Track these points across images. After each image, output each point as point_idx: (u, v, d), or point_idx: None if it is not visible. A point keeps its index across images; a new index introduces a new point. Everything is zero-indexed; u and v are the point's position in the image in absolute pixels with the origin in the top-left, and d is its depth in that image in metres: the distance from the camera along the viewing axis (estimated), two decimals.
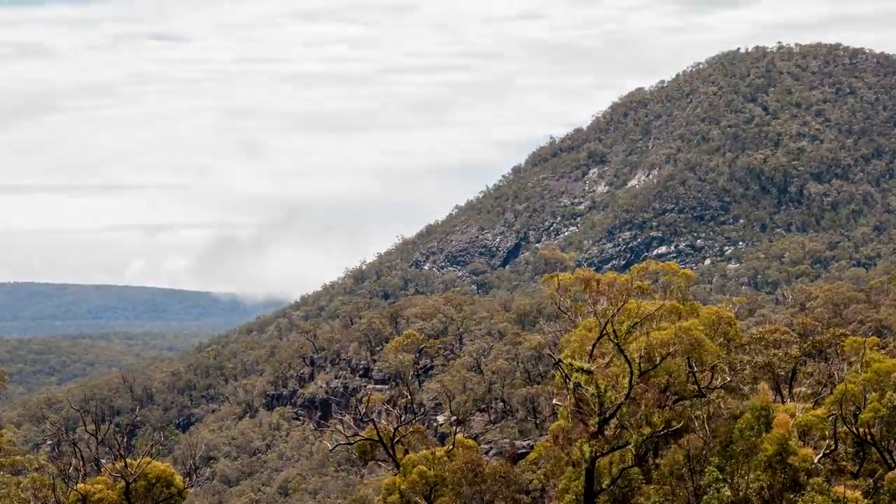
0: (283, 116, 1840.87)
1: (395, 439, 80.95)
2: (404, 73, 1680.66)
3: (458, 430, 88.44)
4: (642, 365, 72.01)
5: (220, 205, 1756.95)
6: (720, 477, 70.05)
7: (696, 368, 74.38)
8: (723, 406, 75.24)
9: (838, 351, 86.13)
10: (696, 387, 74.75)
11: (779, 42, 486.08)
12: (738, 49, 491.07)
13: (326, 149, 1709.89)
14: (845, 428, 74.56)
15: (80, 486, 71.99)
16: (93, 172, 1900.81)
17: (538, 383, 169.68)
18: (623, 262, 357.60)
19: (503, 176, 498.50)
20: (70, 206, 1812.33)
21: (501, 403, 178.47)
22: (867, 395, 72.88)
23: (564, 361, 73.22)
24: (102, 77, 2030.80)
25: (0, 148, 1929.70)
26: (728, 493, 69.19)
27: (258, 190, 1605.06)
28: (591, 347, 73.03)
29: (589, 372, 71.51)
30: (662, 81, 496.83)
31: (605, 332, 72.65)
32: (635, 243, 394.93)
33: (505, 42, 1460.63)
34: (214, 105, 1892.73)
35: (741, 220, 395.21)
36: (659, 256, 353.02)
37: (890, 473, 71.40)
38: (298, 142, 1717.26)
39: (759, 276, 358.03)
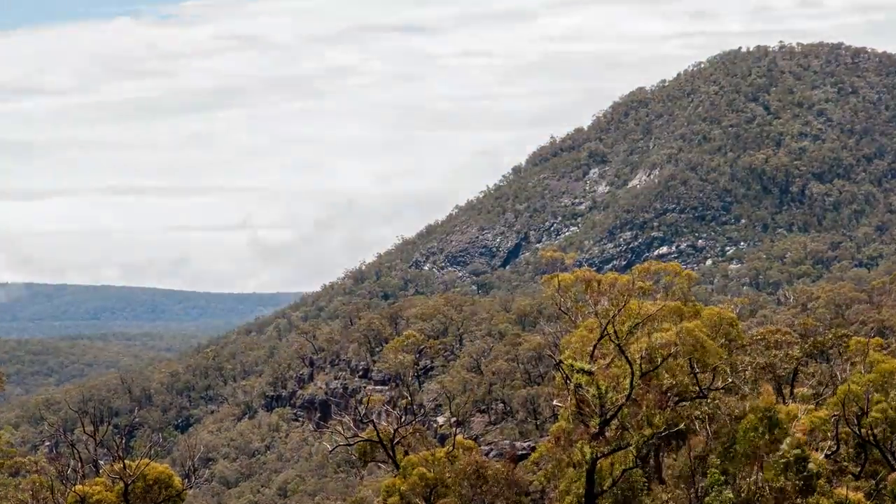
0: (459, 113, 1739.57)
1: (395, 440, 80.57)
2: (619, 68, 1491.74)
3: (458, 432, 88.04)
4: (643, 366, 71.57)
5: (310, 206, 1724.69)
6: (722, 479, 69.64)
7: (697, 369, 73.99)
8: (723, 408, 74.83)
9: (840, 352, 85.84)
10: (697, 388, 74.34)
11: (780, 41, 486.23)
12: (740, 48, 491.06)
13: (477, 147, 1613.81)
14: (847, 429, 74.21)
15: (79, 487, 71.62)
16: (219, 172, 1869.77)
17: (538, 384, 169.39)
18: (624, 263, 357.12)
19: (503, 176, 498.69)
20: (154, 207, 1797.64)
21: (502, 404, 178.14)
22: (870, 396, 72.55)
23: (565, 362, 72.78)
24: (301, 71, 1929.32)
25: (144, 144, 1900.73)
26: (730, 494, 68.81)
27: (365, 190, 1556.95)
28: (591, 348, 72.57)
29: (590, 373, 71.08)
30: (664, 81, 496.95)
31: (606, 332, 72.20)
32: (636, 243, 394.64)
33: (763, 33, 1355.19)
34: (393, 102, 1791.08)
35: (743, 221, 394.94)
36: (660, 257, 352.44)
37: (893, 475, 71.05)
38: (455, 138, 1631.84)
39: (761, 277, 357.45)
